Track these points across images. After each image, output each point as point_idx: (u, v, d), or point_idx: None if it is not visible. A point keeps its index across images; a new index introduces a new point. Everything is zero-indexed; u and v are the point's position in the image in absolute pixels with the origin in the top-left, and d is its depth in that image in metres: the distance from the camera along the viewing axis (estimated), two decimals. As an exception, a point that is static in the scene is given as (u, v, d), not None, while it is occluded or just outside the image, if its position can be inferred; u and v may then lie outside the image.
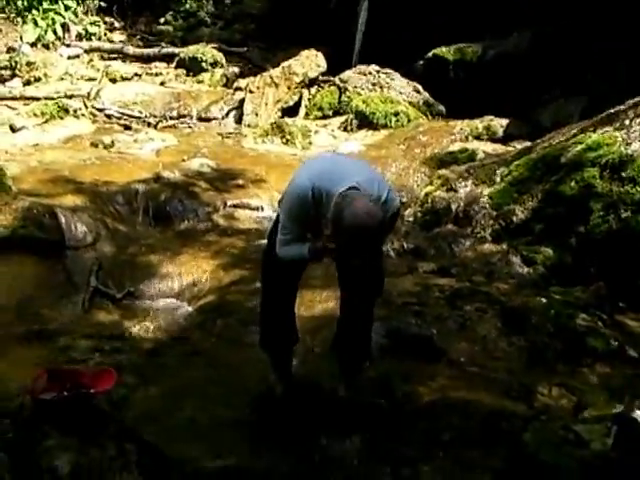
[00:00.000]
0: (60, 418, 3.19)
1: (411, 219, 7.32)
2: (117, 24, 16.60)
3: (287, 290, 4.08)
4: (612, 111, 7.04)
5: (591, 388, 4.57)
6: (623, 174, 6.17)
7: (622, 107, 6.96)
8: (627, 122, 6.61)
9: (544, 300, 5.52)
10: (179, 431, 3.98)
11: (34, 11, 13.44)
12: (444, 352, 4.95)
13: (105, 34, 15.53)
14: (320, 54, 11.91)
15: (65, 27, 14.04)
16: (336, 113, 11.33)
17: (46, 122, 10.78)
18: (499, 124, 10.22)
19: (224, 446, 3.92)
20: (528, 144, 8.20)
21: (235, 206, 7.80)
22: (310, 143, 10.27)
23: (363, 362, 4.30)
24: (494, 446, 3.80)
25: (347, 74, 11.70)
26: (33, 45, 13.05)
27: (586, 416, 4.05)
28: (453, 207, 7.12)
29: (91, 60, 13.87)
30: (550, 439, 3.53)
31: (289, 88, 11.51)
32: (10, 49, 12.38)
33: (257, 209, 7.72)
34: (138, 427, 3.77)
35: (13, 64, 12.20)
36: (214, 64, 13.68)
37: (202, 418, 4.17)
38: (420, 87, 11.45)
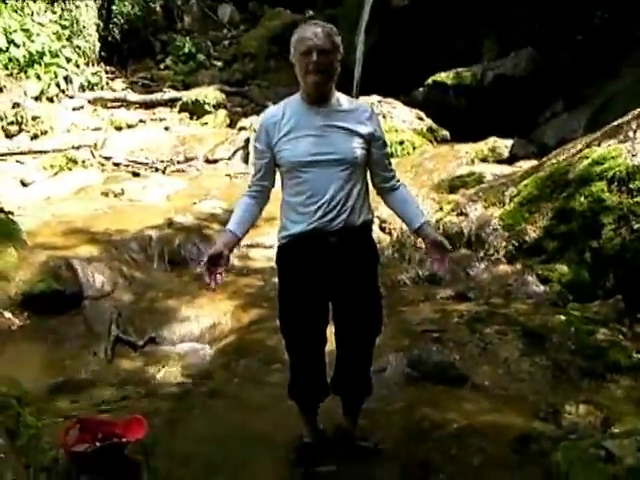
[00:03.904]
0: (94, 469, 3.22)
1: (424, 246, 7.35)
2: (118, 72, 16.78)
3: (312, 339, 3.96)
4: (616, 123, 7.08)
5: (617, 402, 4.59)
6: (631, 186, 6.21)
7: (626, 118, 7.00)
8: (631, 134, 6.64)
9: (563, 318, 5.54)
10: (212, 474, 4.00)
11: (36, 66, 13.58)
12: (468, 377, 4.97)
13: (107, 83, 15.68)
14: (321, 88, 12.00)
15: (67, 79, 14.17)
16: (342, 145, 11.38)
17: (56, 174, 10.91)
18: (504, 145, 10.27)
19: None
20: (535, 163, 8.23)
21: (249, 246, 7.82)
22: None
23: (366, 398, 4.23)
24: (525, 468, 3.82)
25: (349, 106, 11.75)
26: (37, 99, 13.18)
27: (615, 431, 4.04)
28: (465, 231, 7.16)
29: (95, 110, 14.01)
30: (581, 457, 3.52)
31: (293, 124, 11.57)
32: (15, 104, 12.51)
33: (271, 247, 7.73)
34: (170, 474, 3.79)
35: (19, 119, 12.33)
36: (217, 105, 13.83)
37: (232, 462, 4.17)
38: (422, 114, 11.52)
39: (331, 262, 3.77)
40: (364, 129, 3.76)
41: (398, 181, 3.99)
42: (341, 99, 3.81)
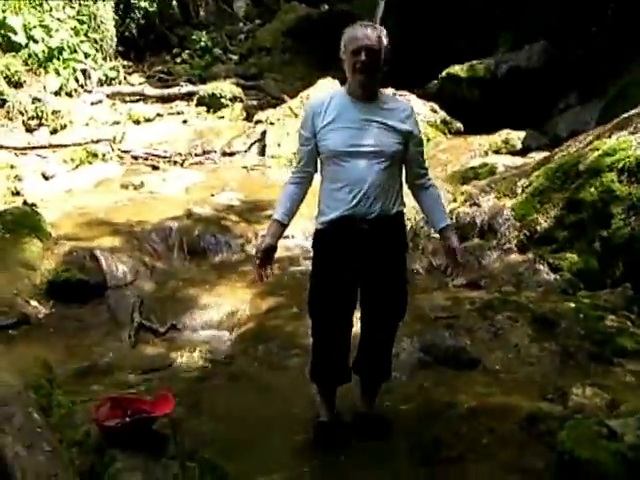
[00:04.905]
0: (125, 442, 3.40)
1: (437, 236, 7.49)
2: (135, 67, 16.95)
3: (339, 322, 4.14)
4: (626, 115, 7.20)
5: (624, 386, 4.70)
6: (640, 176, 6.33)
7: (636, 110, 7.12)
8: (640, 125, 6.76)
9: (573, 305, 5.67)
10: (233, 451, 4.18)
11: (55, 61, 13.74)
12: (479, 361, 5.13)
13: (125, 77, 15.85)
14: (337, 82, 12.13)
15: (86, 74, 14.34)
16: (358, 137, 11.49)
17: (76, 168, 11.06)
18: (517, 137, 10.40)
19: (275, 463, 4.13)
20: (547, 154, 8.34)
21: (268, 235, 7.92)
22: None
23: (385, 381, 4.46)
24: (532, 446, 3.98)
25: (365, 99, 11.86)
26: (56, 94, 13.34)
27: (620, 412, 4.18)
28: (478, 221, 7.29)
29: (113, 104, 14.15)
30: (585, 435, 3.67)
31: (309, 117, 11.70)
32: (35, 99, 12.68)
33: (288, 237, 7.83)
34: (193, 451, 3.96)
35: (39, 114, 12.49)
36: (233, 99, 13.96)
37: (252, 440, 4.37)
38: (436, 106, 11.65)
39: (364, 249, 3.98)
40: (403, 127, 3.97)
41: (430, 179, 4.20)
42: (384, 97, 4.08)
